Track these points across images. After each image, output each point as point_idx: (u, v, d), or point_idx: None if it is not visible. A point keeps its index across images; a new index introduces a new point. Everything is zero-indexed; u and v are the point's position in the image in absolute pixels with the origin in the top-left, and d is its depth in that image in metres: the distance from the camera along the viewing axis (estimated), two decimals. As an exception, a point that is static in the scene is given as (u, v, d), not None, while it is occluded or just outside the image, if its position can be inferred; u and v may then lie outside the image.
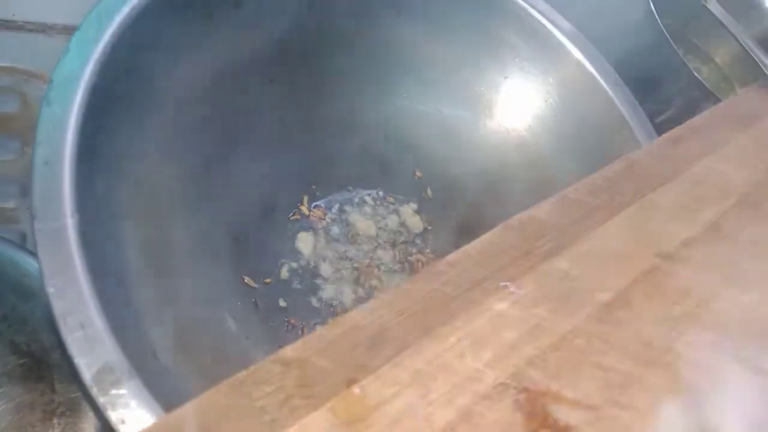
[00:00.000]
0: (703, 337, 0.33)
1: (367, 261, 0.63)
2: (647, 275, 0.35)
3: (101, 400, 0.33)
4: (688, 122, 0.50)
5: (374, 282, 0.61)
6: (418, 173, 0.69)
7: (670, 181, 0.43)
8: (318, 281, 0.62)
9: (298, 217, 0.65)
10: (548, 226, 0.38)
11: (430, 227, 0.69)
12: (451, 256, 0.34)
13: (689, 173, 0.45)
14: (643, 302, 0.34)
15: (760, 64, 0.73)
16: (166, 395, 0.35)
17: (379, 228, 0.66)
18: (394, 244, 0.66)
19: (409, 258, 0.66)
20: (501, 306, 0.32)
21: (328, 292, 0.61)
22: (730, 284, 0.37)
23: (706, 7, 0.78)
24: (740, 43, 0.75)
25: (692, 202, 0.42)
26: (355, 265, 0.63)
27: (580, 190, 0.41)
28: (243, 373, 0.29)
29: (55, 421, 0.45)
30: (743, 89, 0.56)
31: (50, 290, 0.35)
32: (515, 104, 0.66)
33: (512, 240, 0.36)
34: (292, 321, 0.58)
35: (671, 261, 0.37)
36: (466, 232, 0.67)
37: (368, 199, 0.67)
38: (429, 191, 0.69)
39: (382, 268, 0.63)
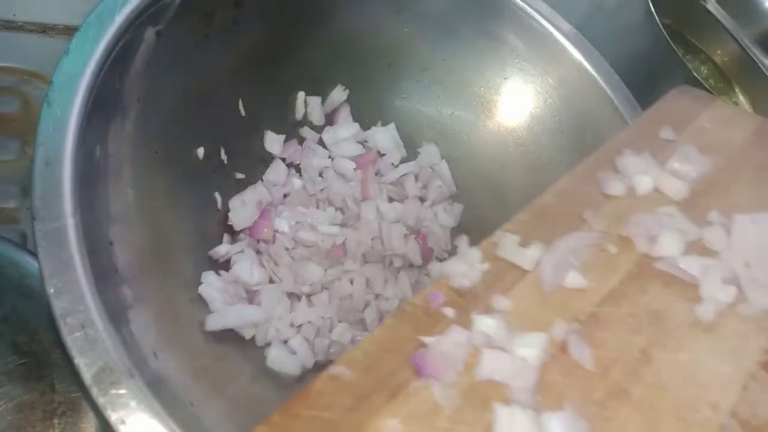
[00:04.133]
0: None
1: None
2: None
3: (101, 400, 0.33)
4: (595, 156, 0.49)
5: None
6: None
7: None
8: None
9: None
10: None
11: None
12: (334, 368, 0.33)
13: None
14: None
15: (759, 64, 0.73)
16: (166, 395, 0.35)
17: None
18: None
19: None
20: (392, 425, 0.31)
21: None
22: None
23: (705, 7, 0.78)
24: (739, 43, 0.76)
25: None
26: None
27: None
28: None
29: (55, 420, 0.45)
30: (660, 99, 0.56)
31: (50, 290, 0.35)
32: (515, 105, 0.66)
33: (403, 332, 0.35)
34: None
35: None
36: (465, 231, 0.67)
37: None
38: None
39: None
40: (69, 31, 0.68)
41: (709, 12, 0.77)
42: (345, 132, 0.65)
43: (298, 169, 0.64)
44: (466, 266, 0.38)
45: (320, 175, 0.64)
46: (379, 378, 0.32)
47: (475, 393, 0.32)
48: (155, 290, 0.46)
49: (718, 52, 0.83)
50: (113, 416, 0.33)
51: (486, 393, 0.32)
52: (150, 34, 0.47)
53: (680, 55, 0.68)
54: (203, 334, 0.50)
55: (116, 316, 0.37)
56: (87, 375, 0.33)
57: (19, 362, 0.46)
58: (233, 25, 0.55)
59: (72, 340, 0.34)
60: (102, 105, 0.43)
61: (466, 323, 0.35)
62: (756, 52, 0.75)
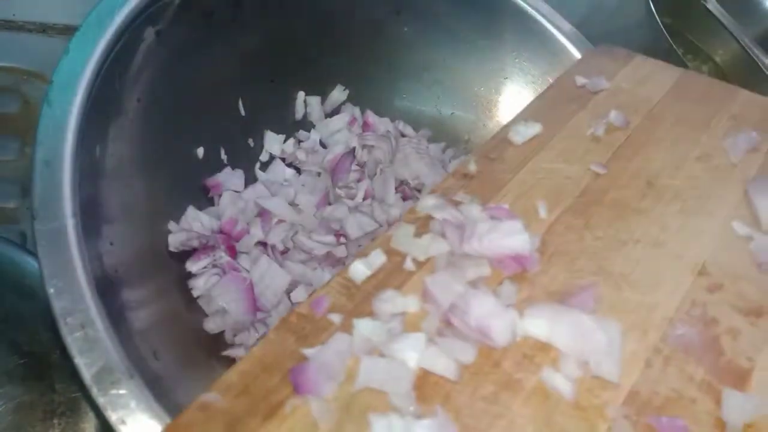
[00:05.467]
0: None
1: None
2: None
3: (101, 400, 0.33)
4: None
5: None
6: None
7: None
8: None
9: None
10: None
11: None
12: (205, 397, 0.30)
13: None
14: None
15: (760, 64, 0.73)
16: (166, 395, 0.35)
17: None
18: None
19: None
20: None
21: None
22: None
23: (706, 7, 0.78)
24: (740, 43, 0.75)
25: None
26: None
27: None
28: None
29: (55, 421, 0.45)
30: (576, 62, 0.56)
31: (50, 290, 0.35)
32: (515, 104, 0.66)
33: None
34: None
35: None
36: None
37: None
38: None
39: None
40: (69, 31, 0.68)
41: (709, 12, 0.77)
42: (338, 123, 0.65)
43: (298, 169, 0.64)
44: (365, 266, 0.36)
45: (319, 175, 0.64)
46: (254, 400, 0.30)
47: (355, 405, 0.30)
48: (155, 290, 0.46)
49: (719, 51, 0.83)
50: (113, 416, 0.33)
51: (366, 403, 0.30)
52: (150, 34, 0.47)
53: (680, 54, 0.68)
54: (203, 334, 0.50)
55: (116, 316, 0.37)
56: (87, 375, 0.33)
57: (19, 362, 0.46)
58: (233, 24, 0.55)
59: (72, 340, 0.34)
60: (102, 105, 0.43)
61: (350, 329, 0.33)
62: (756, 52, 0.75)
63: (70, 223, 0.37)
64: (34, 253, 0.43)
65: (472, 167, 0.44)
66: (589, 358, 0.32)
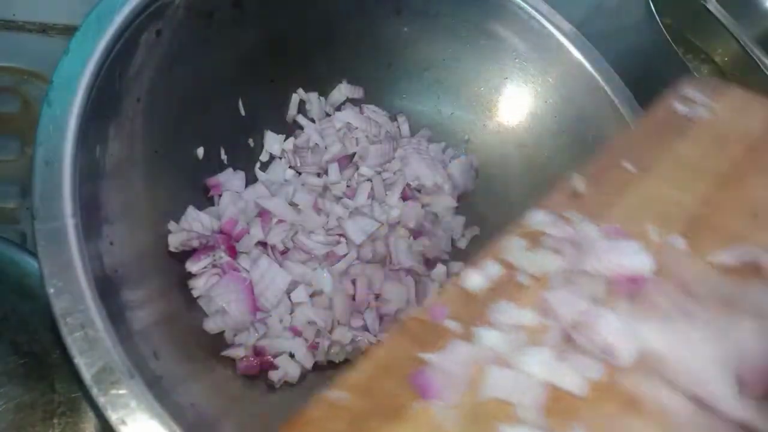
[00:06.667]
0: None
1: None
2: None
3: (101, 400, 0.33)
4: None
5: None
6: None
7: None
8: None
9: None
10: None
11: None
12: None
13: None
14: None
15: (760, 64, 0.73)
16: (166, 395, 0.35)
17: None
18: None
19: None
20: None
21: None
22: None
23: (706, 7, 0.78)
24: (740, 43, 0.75)
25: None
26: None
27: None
28: None
29: (55, 420, 0.45)
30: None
31: (50, 290, 0.35)
32: (515, 104, 0.66)
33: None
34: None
35: None
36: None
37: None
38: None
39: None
40: (69, 31, 0.68)
41: (709, 12, 0.77)
42: (337, 122, 0.65)
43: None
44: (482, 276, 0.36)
45: (319, 175, 0.64)
46: (376, 401, 0.30)
47: (479, 414, 0.30)
48: (155, 290, 0.46)
49: (719, 51, 0.83)
50: (113, 416, 0.33)
51: (491, 413, 0.30)
52: (150, 34, 0.47)
53: (680, 54, 0.68)
54: (203, 334, 0.50)
55: (116, 316, 0.37)
56: (87, 375, 0.33)
57: (19, 362, 0.46)
58: (233, 25, 0.55)
59: (72, 340, 0.34)
60: (102, 105, 0.43)
61: (470, 337, 0.33)
62: (756, 52, 0.75)
63: (70, 223, 0.37)
64: (34, 253, 0.43)
65: (581, 186, 0.44)
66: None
